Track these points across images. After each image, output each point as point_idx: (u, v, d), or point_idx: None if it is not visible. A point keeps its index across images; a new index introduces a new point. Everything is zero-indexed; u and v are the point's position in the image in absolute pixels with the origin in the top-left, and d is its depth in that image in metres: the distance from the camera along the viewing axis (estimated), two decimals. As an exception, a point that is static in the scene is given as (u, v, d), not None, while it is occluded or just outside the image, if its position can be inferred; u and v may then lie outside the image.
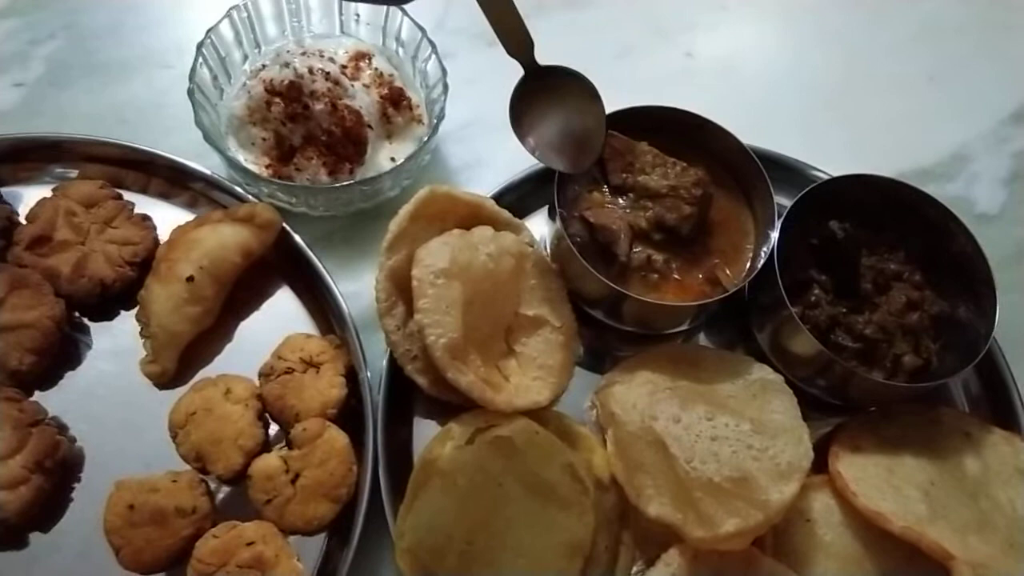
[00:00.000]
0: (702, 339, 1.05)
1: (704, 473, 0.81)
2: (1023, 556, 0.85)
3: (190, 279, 0.88)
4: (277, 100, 0.96)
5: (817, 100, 1.26)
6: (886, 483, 0.87)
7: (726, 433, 0.84)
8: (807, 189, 0.96)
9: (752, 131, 1.02)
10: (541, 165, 1.03)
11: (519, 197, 1.04)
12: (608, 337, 1.01)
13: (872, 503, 0.84)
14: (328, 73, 0.96)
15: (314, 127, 0.96)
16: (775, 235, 0.93)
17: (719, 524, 0.79)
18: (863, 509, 0.84)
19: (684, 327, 1.02)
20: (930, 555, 0.81)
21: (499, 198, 1.01)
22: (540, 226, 1.03)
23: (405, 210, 0.89)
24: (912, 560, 0.83)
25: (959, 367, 0.91)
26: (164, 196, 1.03)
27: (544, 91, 0.92)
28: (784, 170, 1.10)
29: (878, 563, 0.85)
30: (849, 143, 1.21)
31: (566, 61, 1.21)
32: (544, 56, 1.23)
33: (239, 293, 0.96)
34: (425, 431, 0.92)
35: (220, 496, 0.87)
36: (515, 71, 1.20)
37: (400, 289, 0.88)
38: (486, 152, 1.13)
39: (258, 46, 1.05)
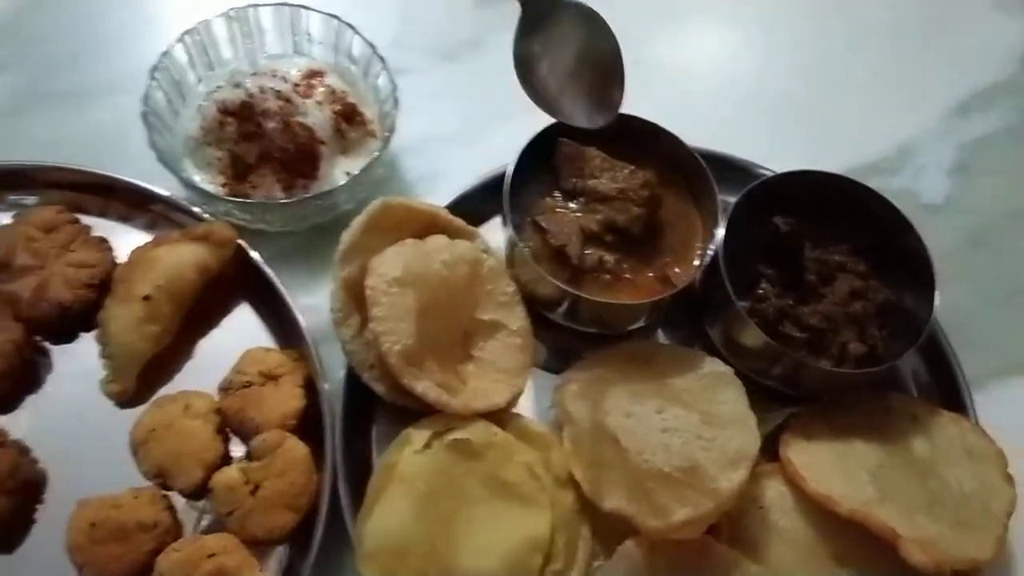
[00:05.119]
0: (661, 337, 1.07)
1: (655, 464, 0.83)
2: (971, 533, 0.87)
3: (147, 298, 0.90)
4: (230, 120, 0.98)
5: (765, 102, 1.29)
6: (835, 468, 0.89)
7: (676, 425, 0.86)
8: (749, 187, 0.99)
9: (702, 134, 1.05)
10: (495, 174, 1.06)
11: (475, 205, 1.05)
12: (570, 339, 1.03)
13: (821, 487, 0.86)
14: (279, 92, 0.98)
15: (268, 145, 0.98)
16: (720, 232, 0.96)
17: (671, 513, 0.81)
18: (813, 493, 0.86)
19: (640, 325, 1.04)
20: (879, 536, 0.83)
21: (455, 207, 1.03)
22: (496, 233, 1.05)
23: (357, 221, 0.91)
24: (864, 542, 0.85)
25: (903, 353, 0.93)
26: (124, 219, 1.04)
27: (551, 33, 0.90)
28: (733, 170, 1.12)
29: (831, 546, 0.87)
30: (798, 141, 1.24)
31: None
32: (497, 65, 1.26)
33: (199, 310, 0.97)
34: (386, 438, 0.93)
35: (184, 511, 0.88)
36: (471, 86, 1.24)
37: (355, 299, 0.90)
38: (443, 164, 1.15)
39: (212, 68, 1.07)
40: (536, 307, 1.00)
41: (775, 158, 1.13)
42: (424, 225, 0.96)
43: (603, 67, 1.00)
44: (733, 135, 1.15)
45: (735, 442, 0.85)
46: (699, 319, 1.04)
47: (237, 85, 0.99)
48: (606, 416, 0.88)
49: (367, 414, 0.95)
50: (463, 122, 1.19)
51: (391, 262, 0.88)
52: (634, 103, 1.04)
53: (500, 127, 1.15)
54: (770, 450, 0.93)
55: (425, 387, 0.86)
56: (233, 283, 0.99)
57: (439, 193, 1.06)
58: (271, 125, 0.97)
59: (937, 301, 0.94)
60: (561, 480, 0.89)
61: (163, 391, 0.93)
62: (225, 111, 0.98)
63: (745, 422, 0.87)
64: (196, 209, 1.00)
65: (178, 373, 0.96)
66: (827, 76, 1.33)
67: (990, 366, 1.07)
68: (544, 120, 1.01)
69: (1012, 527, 0.88)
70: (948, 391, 1.01)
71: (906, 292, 0.99)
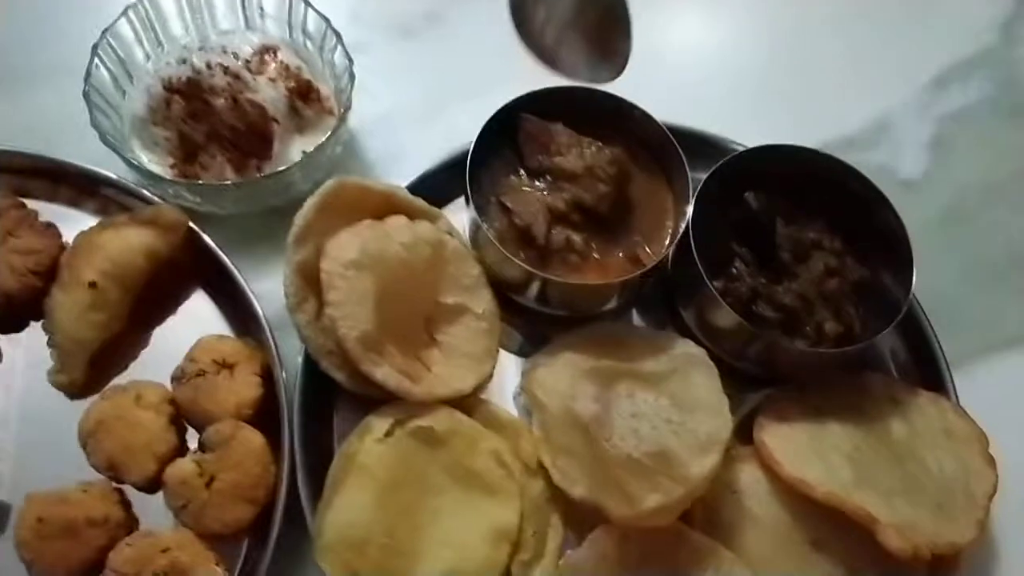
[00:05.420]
0: (635, 319, 1.04)
1: (624, 450, 0.80)
2: (951, 516, 0.85)
3: (92, 285, 0.86)
4: (176, 98, 0.94)
5: (740, 76, 1.26)
6: (811, 451, 0.87)
7: (645, 409, 0.83)
8: (720, 162, 0.95)
9: (675, 109, 1.02)
10: (459, 152, 1.02)
11: (438, 185, 1.02)
12: (541, 322, 1.00)
13: (796, 471, 0.84)
14: (227, 68, 0.94)
15: (217, 123, 0.94)
16: (690, 210, 0.93)
17: (641, 500, 0.78)
18: (787, 477, 0.84)
19: (612, 306, 1.01)
20: (856, 520, 0.81)
21: (417, 187, 0.99)
22: (462, 214, 1.02)
23: (311, 202, 0.87)
24: (842, 527, 0.83)
25: (880, 330, 0.91)
26: (74, 204, 1.00)
27: None
28: (707, 146, 1.08)
29: (807, 532, 0.85)
30: (773, 116, 1.20)
31: (488, 45, 1.19)
32: (460, 40, 1.22)
33: (152, 297, 0.93)
34: (348, 427, 0.89)
35: (142, 505, 0.85)
36: (433, 62, 1.19)
37: (310, 283, 0.86)
38: (405, 143, 1.11)
39: (160, 45, 1.03)
40: (503, 290, 0.97)
41: (750, 133, 1.09)
42: (382, 206, 0.92)
43: (607, 12, 0.92)
44: (707, 110, 1.12)
45: (706, 426, 0.82)
46: (672, 300, 1.01)
47: (183, 61, 0.94)
48: (574, 401, 0.85)
49: (328, 402, 0.91)
50: (425, 99, 1.15)
51: (347, 244, 0.85)
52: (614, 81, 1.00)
53: (464, 104, 1.10)
54: (746, 433, 0.91)
55: (385, 373, 0.82)
56: (187, 269, 0.95)
57: (401, 173, 1.03)
58: (219, 102, 0.93)
59: (915, 278, 0.91)
60: (530, 468, 0.87)
61: (116, 381, 0.90)
62: (171, 88, 0.94)
63: (717, 405, 0.84)
64: (147, 192, 0.96)
65: (132, 362, 0.92)
66: (803, 49, 1.30)
67: (971, 345, 1.04)
68: (510, 96, 0.97)
69: (993, 510, 0.86)
70: (928, 371, 0.99)
71: (883, 270, 0.96)
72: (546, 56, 0.92)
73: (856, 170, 0.97)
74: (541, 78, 0.99)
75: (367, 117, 1.09)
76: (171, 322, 0.95)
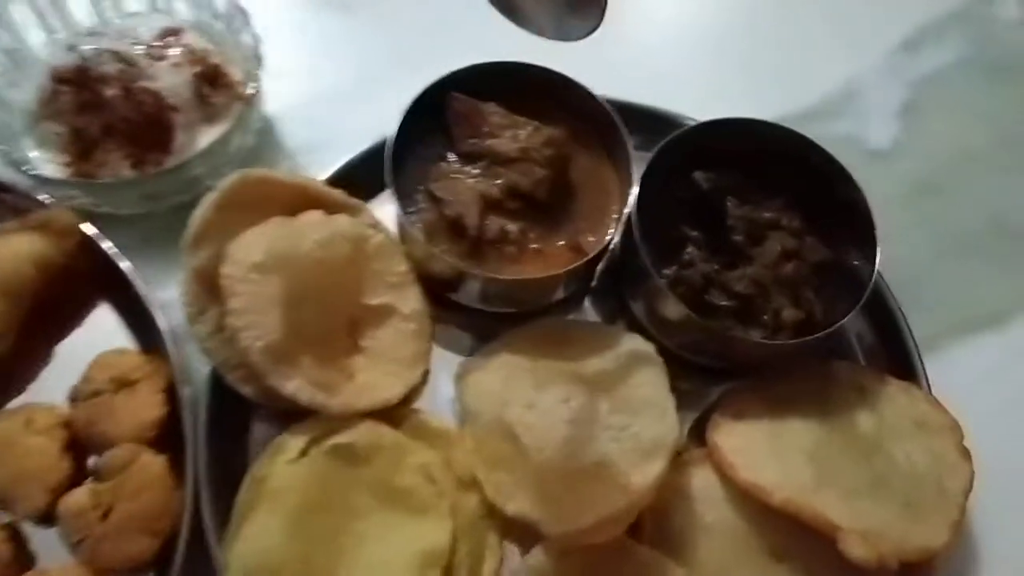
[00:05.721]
0: (589, 312, 0.96)
1: (559, 461, 0.73)
2: (923, 517, 0.78)
3: (-26, 300, 0.78)
4: (65, 89, 0.85)
5: (697, 49, 1.19)
6: (768, 451, 0.80)
7: (584, 415, 0.76)
8: (666, 140, 0.87)
9: (626, 84, 0.96)
10: (386, 139, 0.94)
11: (365, 176, 0.93)
12: (485, 318, 0.92)
13: (751, 475, 0.77)
14: (119, 53, 0.86)
15: (110, 116, 0.85)
16: (635, 192, 0.85)
17: (579, 516, 0.71)
18: (742, 482, 0.77)
19: (559, 298, 0.93)
20: (816, 528, 0.74)
21: (341, 178, 0.91)
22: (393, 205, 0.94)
23: (209, 199, 0.79)
24: (804, 534, 0.76)
25: (842, 316, 0.83)
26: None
27: None
28: (657, 123, 1.01)
29: (766, 540, 0.78)
30: (732, 89, 1.13)
31: (427, 20, 1.11)
32: (393, 13, 1.13)
33: (49, 309, 0.85)
34: (264, 448, 0.82)
35: (43, 540, 0.77)
36: (362, 39, 1.10)
37: (212, 291, 0.78)
38: (333, 130, 1.02)
39: (54, 32, 0.94)
40: (436, 288, 0.89)
41: (706, 108, 1.01)
42: (296, 201, 0.84)
43: None
44: (661, 85, 1.05)
45: (651, 431, 0.75)
46: (622, 291, 0.93)
47: (71, 48, 0.86)
48: (506, 408, 0.77)
49: (243, 420, 0.83)
50: (353, 81, 1.06)
51: (251, 245, 0.77)
52: (549, 54, 0.93)
53: (397, 86, 1.01)
54: (702, 433, 0.84)
55: (296, 387, 0.75)
56: (85, 277, 0.87)
57: (325, 163, 0.95)
58: (111, 93, 0.84)
59: (880, 257, 0.84)
60: (464, 481, 0.80)
61: (11, 404, 0.82)
62: (60, 79, 0.85)
63: (662, 406, 0.77)
64: (41, 195, 0.87)
65: (28, 382, 0.84)
66: (762, 15, 1.22)
67: (944, 325, 0.98)
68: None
69: (969, 509, 0.79)
70: (897, 356, 0.92)
71: (848, 249, 0.89)
72: (509, 8, 0.81)
73: (815, 143, 0.90)
74: (484, 54, 0.91)
75: (290, 102, 1.01)
76: (71, 336, 0.86)
